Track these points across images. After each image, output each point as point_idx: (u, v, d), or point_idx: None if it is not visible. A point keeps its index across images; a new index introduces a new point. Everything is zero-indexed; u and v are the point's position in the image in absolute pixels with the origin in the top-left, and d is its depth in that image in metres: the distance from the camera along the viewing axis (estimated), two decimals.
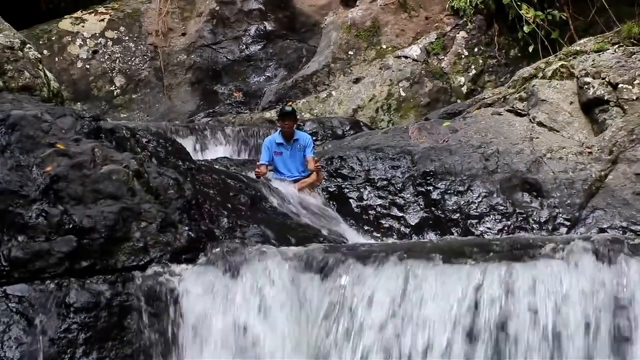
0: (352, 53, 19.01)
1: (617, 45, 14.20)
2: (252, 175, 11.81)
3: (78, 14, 20.71)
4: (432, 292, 7.64)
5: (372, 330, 7.63)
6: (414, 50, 18.54)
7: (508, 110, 13.92)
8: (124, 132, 9.81)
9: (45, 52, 19.25)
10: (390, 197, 12.23)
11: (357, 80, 18.22)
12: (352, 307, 7.78)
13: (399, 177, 12.47)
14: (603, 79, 13.44)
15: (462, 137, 13.23)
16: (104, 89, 20.01)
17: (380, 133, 14.14)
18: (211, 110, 19.24)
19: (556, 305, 7.47)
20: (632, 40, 14.27)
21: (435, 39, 18.75)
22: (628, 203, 11.75)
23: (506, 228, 11.76)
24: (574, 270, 7.66)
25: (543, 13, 17.77)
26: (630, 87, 13.22)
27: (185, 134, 15.10)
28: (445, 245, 9.16)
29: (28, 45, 11.80)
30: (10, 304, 7.47)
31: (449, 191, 12.24)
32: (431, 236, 11.74)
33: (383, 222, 11.93)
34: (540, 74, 14.55)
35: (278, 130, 12.46)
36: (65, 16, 20.63)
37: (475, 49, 18.65)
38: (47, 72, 12.30)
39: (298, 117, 14.15)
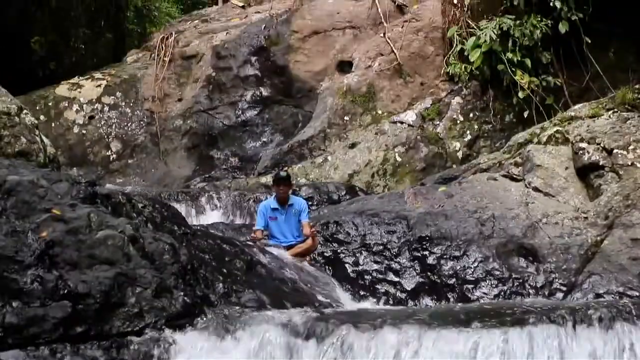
0: (347, 118, 19.05)
1: (611, 111, 14.23)
2: (248, 240, 11.82)
3: (75, 79, 20.81)
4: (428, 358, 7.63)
5: None
6: (410, 116, 18.60)
7: (503, 176, 13.92)
8: (120, 197, 9.84)
9: (41, 117, 19.32)
10: (386, 262, 12.18)
11: (352, 146, 18.27)
12: None
13: (395, 242, 12.44)
14: (598, 144, 13.47)
15: (457, 202, 13.23)
16: (100, 154, 20.05)
17: (376, 198, 14.13)
18: (207, 175, 19.26)
19: None
20: (626, 107, 14.29)
21: (431, 104, 18.81)
22: (624, 268, 11.74)
23: (502, 293, 11.72)
24: (571, 336, 7.64)
25: (538, 79, 17.90)
26: (625, 152, 13.25)
27: (181, 199, 15.13)
28: (442, 311, 9.14)
29: (25, 111, 11.87)
30: None
31: (445, 256, 12.20)
32: (427, 301, 11.69)
33: (379, 287, 11.88)
34: (536, 140, 14.56)
35: (273, 195, 12.46)
36: (62, 82, 20.74)
37: (471, 115, 18.71)
38: (44, 138, 12.34)
39: (293, 182, 14.19)
